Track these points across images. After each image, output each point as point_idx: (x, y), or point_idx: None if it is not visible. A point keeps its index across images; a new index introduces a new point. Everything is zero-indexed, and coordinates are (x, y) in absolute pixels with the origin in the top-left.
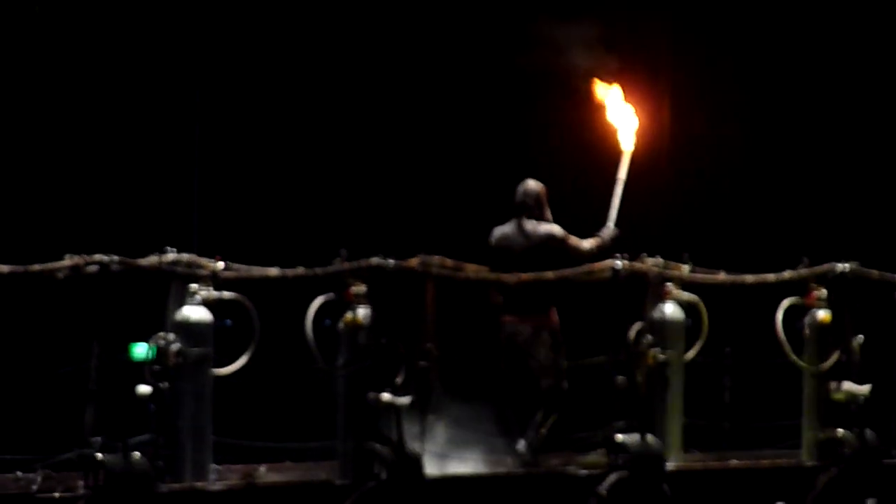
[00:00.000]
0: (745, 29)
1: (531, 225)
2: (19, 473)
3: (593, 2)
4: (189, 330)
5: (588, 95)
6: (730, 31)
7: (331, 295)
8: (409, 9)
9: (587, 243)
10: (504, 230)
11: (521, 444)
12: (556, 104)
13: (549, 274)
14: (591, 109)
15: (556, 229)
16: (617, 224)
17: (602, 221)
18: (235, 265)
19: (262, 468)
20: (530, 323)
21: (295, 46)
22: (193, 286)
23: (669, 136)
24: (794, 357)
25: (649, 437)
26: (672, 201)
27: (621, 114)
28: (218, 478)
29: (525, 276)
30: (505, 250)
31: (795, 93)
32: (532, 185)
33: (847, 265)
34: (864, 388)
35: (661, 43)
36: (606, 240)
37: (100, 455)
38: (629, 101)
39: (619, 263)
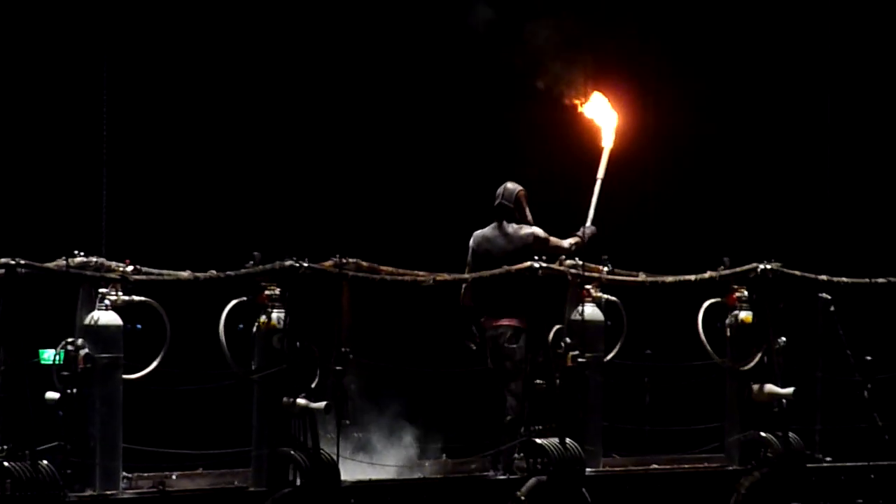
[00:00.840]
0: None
1: (512, 227)
2: None
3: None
4: (98, 334)
5: (566, 95)
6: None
7: (244, 298)
8: None
9: (566, 243)
10: (485, 233)
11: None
12: (531, 105)
13: (466, 276)
14: (569, 108)
15: (537, 231)
16: (594, 223)
17: (580, 221)
18: (146, 268)
19: (174, 475)
20: (510, 325)
21: (204, 45)
22: (103, 290)
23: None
24: (715, 358)
25: (569, 441)
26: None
27: (600, 112)
28: (128, 486)
29: (441, 276)
30: (486, 253)
31: (721, 93)
32: (511, 187)
33: (769, 265)
34: (788, 391)
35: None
36: (585, 238)
37: (6, 463)
38: (608, 100)
39: (537, 264)
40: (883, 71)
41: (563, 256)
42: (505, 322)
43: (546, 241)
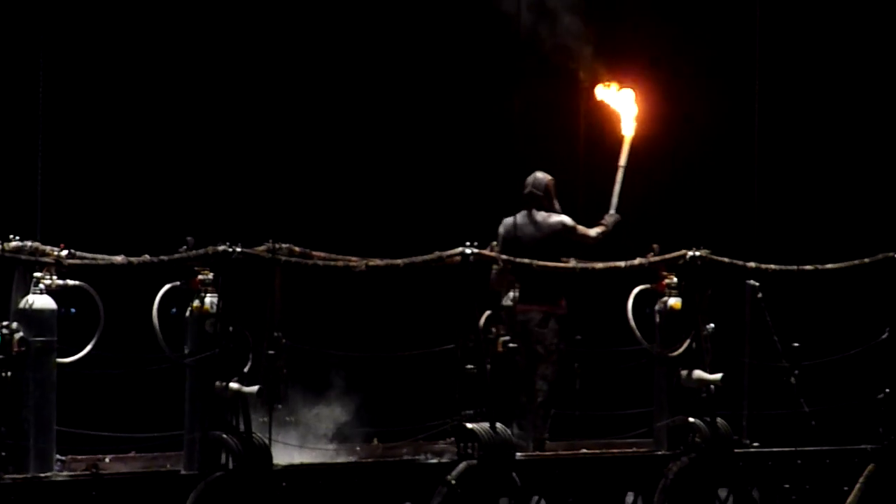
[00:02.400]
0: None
1: (541, 216)
2: None
3: None
4: (32, 318)
5: (588, 83)
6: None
7: (177, 283)
8: None
9: (593, 232)
10: (514, 221)
11: (517, 431)
12: (550, 90)
13: (394, 261)
14: (591, 96)
15: (565, 219)
16: (618, 210)
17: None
18: (80, 252)
19: (108, 458)
20: (540, 309)
21: (138, 26)
22: (37, 274)
23: None
24: (644, 344)
25: (499, 425)
26: None
27: (621, 100)
28: (62, 468)
29: (373, 261)
30: (515, 240)
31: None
32: (541, 176)
33: (698, 252)
34: (716, 377)
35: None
36: (610, 226)
37: None
38: (628, 87)
39: (468, 250)
40: (811, 60)
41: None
42: (535, 307)
43: (574, 229)
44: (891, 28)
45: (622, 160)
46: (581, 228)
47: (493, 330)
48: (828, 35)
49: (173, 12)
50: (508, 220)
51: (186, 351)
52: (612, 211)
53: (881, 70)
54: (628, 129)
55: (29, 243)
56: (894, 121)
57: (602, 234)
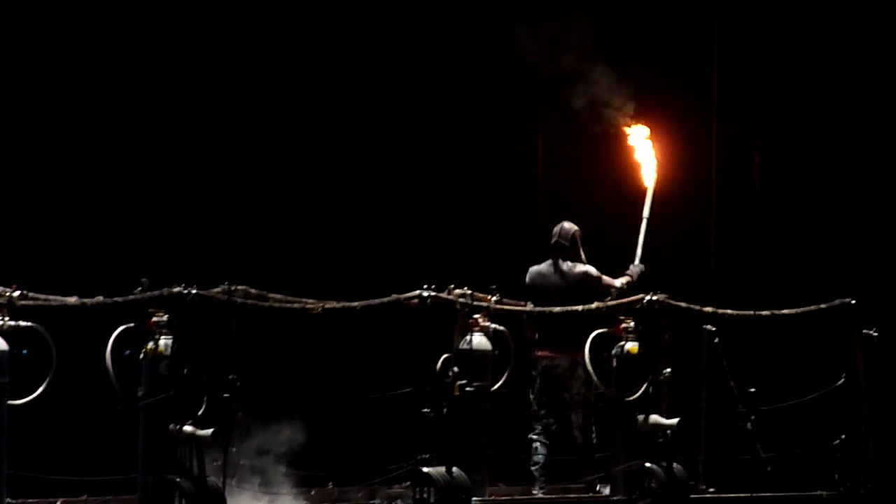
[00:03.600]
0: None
1: (567, 265)
2: None
3: (612, 43)
4: None
5: (614, 136)
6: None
7: (131, 324)
8: None
9: (618, 282)
10: (540, 269)
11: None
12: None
13: (354, 304)
14: (614, 148)
15: (590, 269)
16: (642, 260)
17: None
18: (32, 293)
19: (60, 502)
20: (567, 357)
21: (91, 65)
22: None
23: None
24: (602, 388)
25: (455, 470)
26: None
27: (644, 152)
28: None
29: (330, 304)
30: (540, 289)
31: None
32: (567, 226)
33: (655, 296)
34: (673, 422)
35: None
36: (634, 276)
37: None
38: (651, 140)
39: (426, 293)
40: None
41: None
42: (561, 355)
43: (599, 279)
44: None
45: (645, 211)
46: (606, 278)
47: (450, 373)
48: (786, 80)
49: (126, 41)
50: (534, 269)
51: (140, 393)
52: (636, 262)
53: (842, 123)
54: (650, 180)
55: None
56: (850, 171)
57: (627, 284)
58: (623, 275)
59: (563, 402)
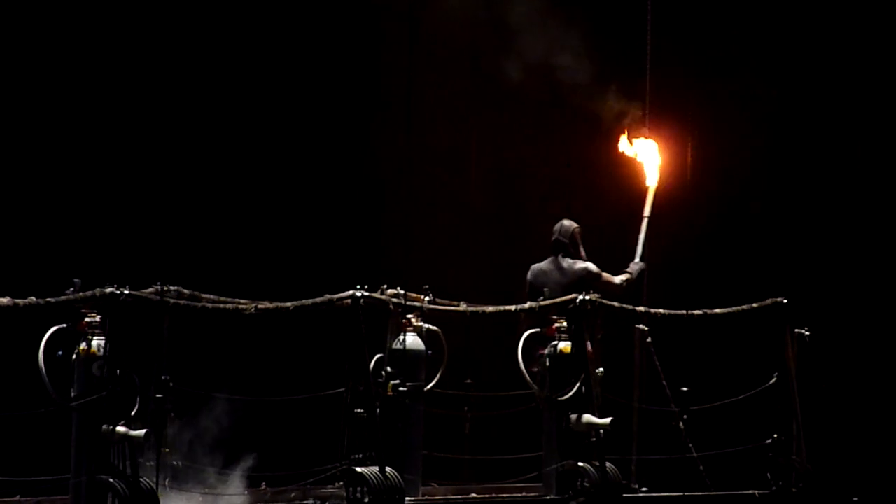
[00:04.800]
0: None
1: (567, 262)
2: None
3: (617, 43)
4: None
5: (615, 135)
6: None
7: (64, 325)
8: None
9: (618, 279)
10: (541, 266)
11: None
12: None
13: (287, 304)
14: (616, 147)
15: (590, 266)
16: (642, 258)
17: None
18: None
19: None
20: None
21: (25, 62)
22: None
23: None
24: (534, 388)
25: (388, 470)
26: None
27: (645, 151)
28: None
29: (262, 304)
30: (542, 286)
31: None
32: (567, 224)
33: (588, 296)
34: (605, 421)
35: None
36: (634, 274)
37: None
38: (653, 138)
39: (359, 293)
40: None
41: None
42: None
43: (598, 275)
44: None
45: (646, 210)
46: (606, 275)
47: (384, 373)
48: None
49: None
50: (536, 266)
51: (73, 394)
52: (636, 259)
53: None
54: (652, 179)
55: None
56: (781, 168)
57: (626, 281)
58: (623, 272)
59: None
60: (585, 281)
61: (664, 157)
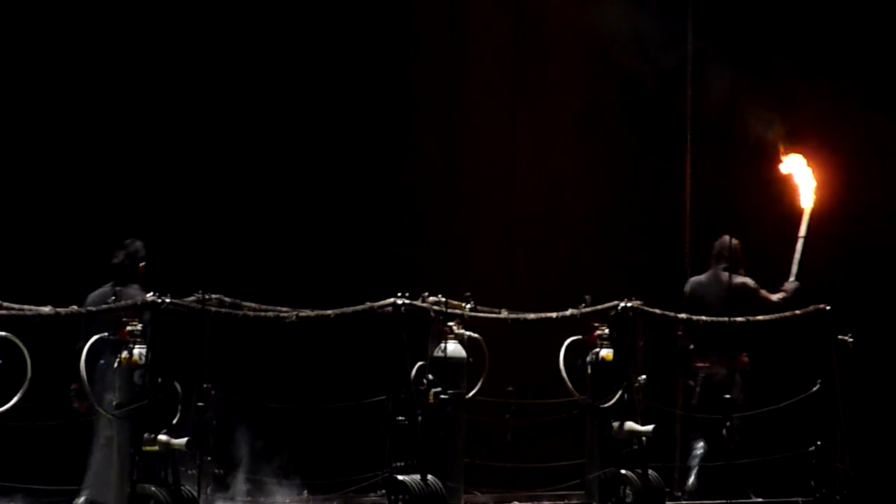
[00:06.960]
0: None
1: (726, 276)
2: None
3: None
4: None
5: (772, 157)
6: None
7: (106, 334)
8: None
9: (775, 297)
10: (700, 280)
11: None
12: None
13: (328, 312)
14: (773, 169)
15: (748, 281)
16: (797, 278)
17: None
18: (6, 303)
19: None
20: (724, 365)
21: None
22: None
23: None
24: (576, 395)
25: (430, 478)
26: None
27: (801, 173)
28: None
29: (304, 312)
30: (700, 298)
31: None
32: (728, 240)
33: (630, 303)
34: (648, 428)
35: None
36: (790, 293)
37: None
38: (808, 161)
39: (400, 301)
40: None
41: None
42: (719, 364)
43: (756, 291)
44: None
45: (802, 231)
46: (763, 292)
47: (425, 381)
48: None
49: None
50: (694, 280)
51: (115, 403)
52: (791, 279)
53: None
54: (807, 200)
55: None
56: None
57: (783, 299)
58: (780, 290)
59: (723, 408)
60: (743, 295)
61: (816, 177)
